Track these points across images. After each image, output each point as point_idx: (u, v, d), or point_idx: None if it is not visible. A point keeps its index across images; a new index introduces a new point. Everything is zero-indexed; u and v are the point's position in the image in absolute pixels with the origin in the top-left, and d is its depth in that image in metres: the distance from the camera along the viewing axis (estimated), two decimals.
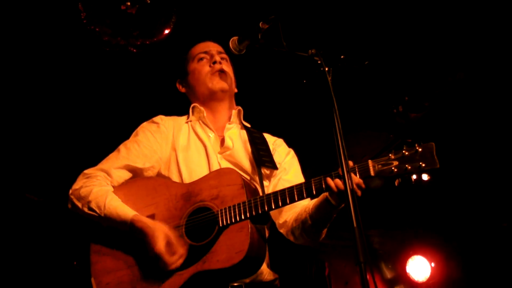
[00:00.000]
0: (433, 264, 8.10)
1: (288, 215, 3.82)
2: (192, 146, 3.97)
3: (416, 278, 8.16)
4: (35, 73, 6.13)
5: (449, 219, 7.90)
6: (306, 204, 3.72)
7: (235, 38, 3.51)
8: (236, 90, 4.29)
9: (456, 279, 8.04)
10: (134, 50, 5.20)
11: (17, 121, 6.47)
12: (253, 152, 3.94)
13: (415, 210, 8.10)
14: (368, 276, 2.58)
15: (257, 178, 3.87)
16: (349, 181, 2.83)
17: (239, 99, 4.31)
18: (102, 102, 6.57)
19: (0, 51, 5.75)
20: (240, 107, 4.23)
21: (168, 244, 3.40)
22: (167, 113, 4.22)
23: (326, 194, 3.40)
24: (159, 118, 4.12)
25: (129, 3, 4.88)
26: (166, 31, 5.14)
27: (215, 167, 3.82)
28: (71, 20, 5.08)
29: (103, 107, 6.60)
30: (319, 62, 3.16)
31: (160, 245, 3.38)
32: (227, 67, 4.20)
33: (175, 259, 3.38)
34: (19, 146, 6.60)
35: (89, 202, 3.62)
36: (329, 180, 3.25)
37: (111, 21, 4.95)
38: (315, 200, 3.59)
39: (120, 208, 3.58)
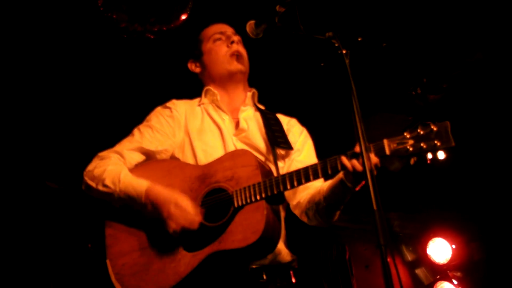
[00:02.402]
0: (454, 246, 8.07)
1: (302, 196, 3.84)
2: (206, 129, 3.99)
3: (437, 260, 8.12)
4: (53, 63, 6.16)
5: (470, 201, 7.86)
6: (320, 185, 3.73)
7: (252, 22, 3.50)
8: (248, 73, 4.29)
9: (477, 260, 8.02)
10: (152, 37, 5.20)
11: (38, 111, 6.52)
12: (267, 133, 3.95)
13: (436, 192, 8.07)
14: (389, 259, 2.58)
15: (272, 159, 3.88)
16: (368, 163, 2.83)
17: (258, 83, 4.31)
18: (118, 90, 6.59)
19: (17, 40, 5.79)
20: (254, 90, 4.25)
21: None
22: (178, 96, 4.23)
23: (341, 175, 3.40)
24: (171, 103, 4.14)
25: None
26: (183, 17, 5.14)
27: (230, 149, 3.84)
28: (88, 7, 5.10)
29: (120, 95, 6.63)
30: (336, 45, 3.15)
31: (180, 200, 3.45)
32: (243, 49, 4.22)
33: (197, 211, 3.46)
34: (40, 135, 6.66)
35: (103, 179, 3.66)
36: (344, 159, 3.25)
37: (127, 8, 4.96)
38: (329, 182, 3.59)
39: (135, 181, 3.63)
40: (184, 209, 3.43)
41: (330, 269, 7.77)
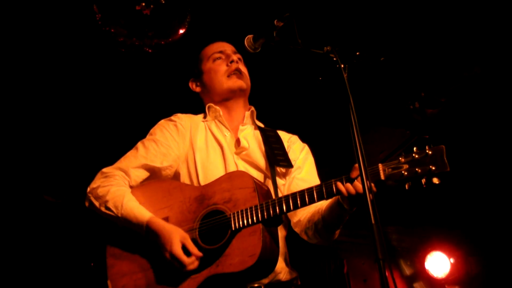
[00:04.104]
0: (452, 260, 8.06)
1: (302, 214, 3.84)
2: (209, 146, 3.98)
3: (435, 274, 8.12)
4: (52, 76, 6.16)
5: (468, 215, 7.86)
6: (319, 205, 3.72)
7: (250, 36, 3.51)
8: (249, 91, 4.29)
9: (475, 275, 8.00)
10: (150, 51, 5.21)
11: (36, 124, 6.51)
12: (267, 151, 3.95)
13: (433, 206, 8.06)
14: (387, 273, 2.57)
15: (272, 177, 3.87)
16: (366, 178, 2.82)
17: (256, 98, 4.31)
18: (119, 102, 6.59)
19: (18, 53, 5.80)
20: (253, 108, 4.24)
21: (184, 246, 3.42)
22: (180, 112, 4.23)
23: (338, 197, 3.40)
24: (176, 116, 4.14)
25: (143, 4, 4.88)
26: (181, 31, 5.15)
27: (231, 167, 3.84)
28: (87, 21, 5.11)
29: (121, 108, 6.63)
30: (334, 59, 3.15)
31: (177, 246, 3.41)
32: (243, 67, 4.22)
33: (192, 260, 3.40)
34: (37, 148, 6.65)
35: (106, 201, 3.65)
36: (339, 185, 3.27)
37: (126, 22, 4.97)
38: (328, 202, 3.59)
39: (137, 209, 3.61)
40: (181, 255, 3.39)
41: (328, 283, 7.76)
